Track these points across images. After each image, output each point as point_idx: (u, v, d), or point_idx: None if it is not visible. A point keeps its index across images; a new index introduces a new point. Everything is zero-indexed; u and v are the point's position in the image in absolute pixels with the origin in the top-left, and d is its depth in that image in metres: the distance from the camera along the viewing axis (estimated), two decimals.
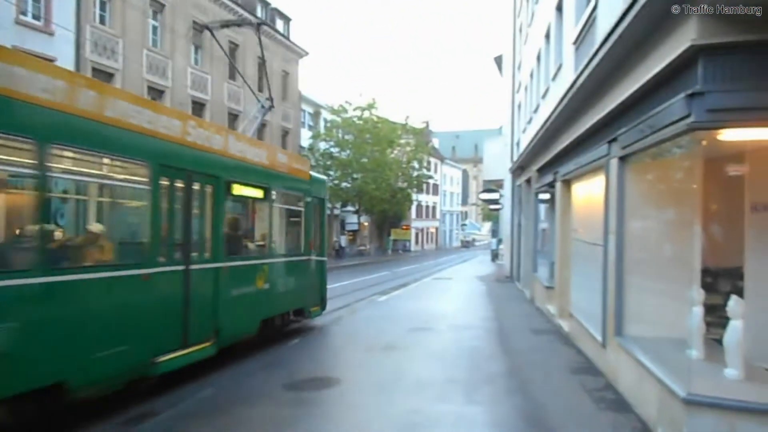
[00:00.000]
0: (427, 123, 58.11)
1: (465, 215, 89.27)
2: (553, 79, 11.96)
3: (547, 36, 13.14)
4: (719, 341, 5.30)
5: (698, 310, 5.49)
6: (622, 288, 6.76)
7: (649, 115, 5.49)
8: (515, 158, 20.49)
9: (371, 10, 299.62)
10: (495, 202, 30.90)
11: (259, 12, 32.18)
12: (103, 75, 20.04)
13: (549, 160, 12.51)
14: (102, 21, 20.73)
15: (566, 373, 7.67)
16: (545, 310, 12.97)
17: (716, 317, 5.57)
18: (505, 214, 26.13)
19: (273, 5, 34.64)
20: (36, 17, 17.79)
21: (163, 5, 23.75)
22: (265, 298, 8.97)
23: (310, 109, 40.31)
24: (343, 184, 39.16)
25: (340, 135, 40.14)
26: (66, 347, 5.09)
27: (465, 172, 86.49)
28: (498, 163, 25.22)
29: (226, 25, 12.54)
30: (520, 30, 20.63)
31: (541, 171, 14.12)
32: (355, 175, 39.49)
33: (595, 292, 7.83)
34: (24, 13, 17.38)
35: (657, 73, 5.29)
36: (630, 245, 6.73)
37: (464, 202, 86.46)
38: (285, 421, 5.67)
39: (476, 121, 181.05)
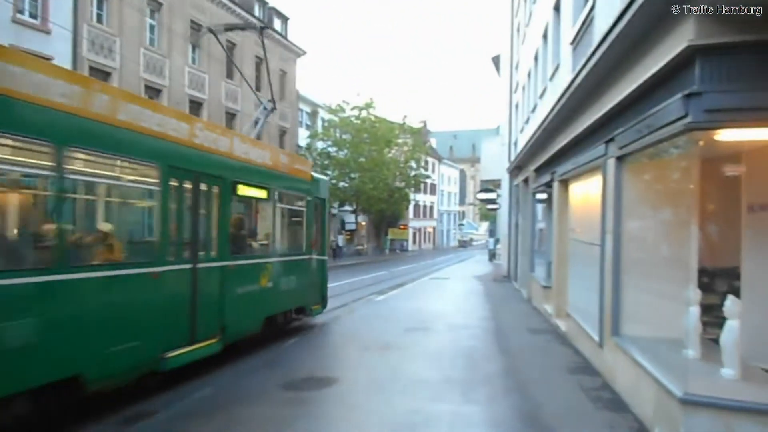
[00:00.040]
0: (424, 123, 58.16)
1: (462, 215, 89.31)
2: (551, 79, 11.97)
3: (545, 36, 13.15)
4: (716, 341, 5.32)
5: (695, 310, 5.50)
6: (619, 288, 6.77)
7: (647, 115, 5.50)
8: (513, 158, 20.51)
9: (369, 9, 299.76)
10: (492, 201, 30.89)
11: (257, 11, 32.16)
12: (100, 74, 20.01)
13: (546, 159, 12.52)
14: (99, 20, 20.69)
15: (563, 373, 7.68)
16: (542, 310, 12.99)
17: (713, 317, 5.59)
18: (503, 214, 26.14)
19: (271, 4, 34.61)
20: (33, 16, 17.75)
21: (160, 4, 23.71)
22: (268, 296, 9.16)
23: (307, 109, 40.28)
24: (341, 184, 39.14)
25: (337, 134, 40.13)
26: (82, 341, 5.32)
27: (462, 172, 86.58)
28: (495, 162, 25.22)
29: (230, 28, 12.75)
30: (518, 30, 20.65)
31: (539, 171, 14.14)
32: (352, 175, 39.49)
33: (592, 291, 7.84)
34: (21, 12, 17.35)
35: (654, 74, 5.30)
36: (627, 245, 6.74)
37: (462, 201, 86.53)
38: (283, 421, 5.66)
39: (474, 120, 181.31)
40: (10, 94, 4.62)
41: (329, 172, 37.28)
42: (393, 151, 43.71)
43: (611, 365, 6.96)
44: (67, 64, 17.55)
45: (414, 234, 64.13)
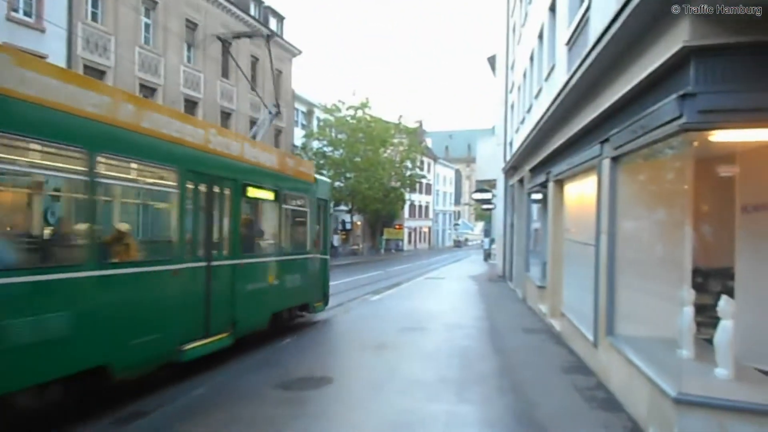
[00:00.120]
0: (420, 122, 58.21)
1: (458, 215, 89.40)
2: (546, 79, 11.99)
3: (541, 36, 13.18)
4: (710, 341, 5.34)
5: (689, 310, 5.51)
6: (614, 288, 6.79)
7: (642, 115, 5.52)
8: (508, 158, 20.53)
9: (369, 8, 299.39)
10: (488, 201, 30.91)
11: (252, 10, 32.07)
12: (95, 72, 19.92)
13: (542, 160, 12.55)
14: (94, 18, 20.58)
15: (558, 373, 7.70)
16: (537, 310, 13.02)
17: (707, 317, 5.60)
18: (498, 214, 26.16)
19: (266, 3, 34.52)
20: (27, 14, 17.66)
21: (155, 3, 23.62)
22: (275, 293, 9.62)
23: (303, 108, 40.24)
24: (336, 184, 39.08)
25: (333, 134, 40.09)
26: (110, 333, 5.71)
27: (458, 172, 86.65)
28: (491, 163, 25.25)
29: (238, 36, 13.23)
30: (514, 30, 20.68)
31: (534, 171, 14.17)
32: (348, 175, 39.47)
33: (587, 291, 7.86)
34: (15, 10, 17.24)
35: (649, 74, 5.32)
36: (622, 245, 6.76)
37: (457, 201, 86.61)
38: (278, 420, 5.65)
39: (469, 120, 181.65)
40: (48, 104, 4.98)
41: (325, 172, 37.20)
42: (388, 151, 43.67)
43: (606, 365, 6.98)
44: (61, 63, 17.47)
45: (409, 234, 64.13)
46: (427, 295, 17.53)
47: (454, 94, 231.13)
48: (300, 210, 10.94)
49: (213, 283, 7.55)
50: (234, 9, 28.81)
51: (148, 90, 22.94)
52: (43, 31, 17.76)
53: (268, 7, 34.76)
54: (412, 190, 53.18)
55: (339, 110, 40.41)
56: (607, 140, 6.96)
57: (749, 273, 5.77)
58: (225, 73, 28.38)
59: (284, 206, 10.02)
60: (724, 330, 5.09)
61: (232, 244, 8.16)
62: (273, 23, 34.94)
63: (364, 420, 5.78)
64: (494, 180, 26.40)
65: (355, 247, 46.51)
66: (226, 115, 28.60)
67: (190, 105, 25.71)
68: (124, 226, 6.42)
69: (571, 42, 9.28)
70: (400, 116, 45.55)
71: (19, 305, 4.74)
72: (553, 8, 11.58)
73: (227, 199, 8.11)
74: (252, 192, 8.82)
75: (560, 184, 11.11)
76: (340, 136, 40.05)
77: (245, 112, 30.24)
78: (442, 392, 6.68)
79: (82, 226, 5.57)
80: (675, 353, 5.36)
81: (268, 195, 9.43)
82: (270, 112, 12.02)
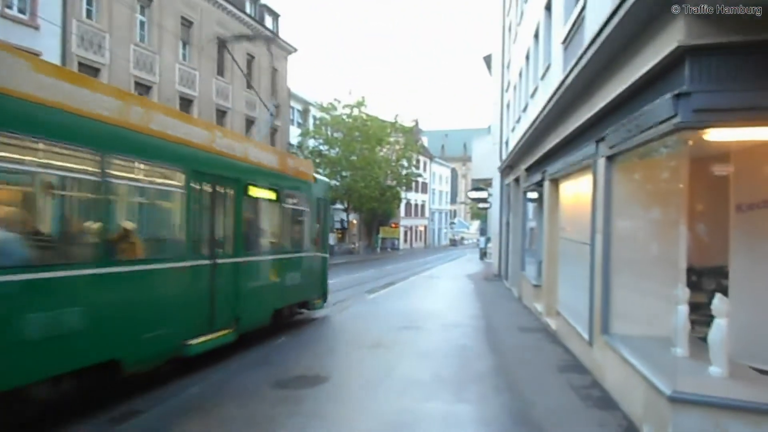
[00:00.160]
0: (416, 121, 58.05)
1: (454, 214, 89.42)
2: (542, 78, 12.00)
3: (536, 35, 13.18)
4: (704, 339, 5.36)
5: (683, 309, 5.54)
6: (609, 286, 6.81)
7: (637, 115, 5.53)
8: (504, 157, 20.56)
9: (368, 8, 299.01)
10: (483, 200, 30.95)
11: (248, 8, 31.97)
12: (90, 70, 19.84)
13: (537, 159, 12.56)
14: (89, 15, 20.48)
15: (553, 371, 7.72)
16: (533, 309, 13.04)
17: (701, 315, 5.63)
18: (494, 213, 26.18)
19: (262, 1, 34.42)
20: (21, 11, 17.55)
21: (150, 0, 23.51)
22: (276, 290, 9.90)
23: (299, 107, 40.13)
24: (332, 182, 39.03)
25: (329, 133, 40.01)
26: (121, 328, 5.93)
27: (454, 171, 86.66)
28: (487, 161, 25.26)
29: (240, 39, 13.57)
30: (509, 29, 20.69)
31: (530, 170, 14.18)
32: (344, 173, 39.39)
33: (582, 290, 7.88)
34: (9, 7, 17.15)
35: (644, 74, 5.33)
36: (617, 244, 6.78)
37: (453, 200, 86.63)
38: (273, 420, 5.64)
39: (466, 120, 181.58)
40: (65, 108, 5.21)
41: (321, 171, 37.15)
42: (384, 150, 43.66)
43: (601, 363, 7.00)
44: (56, 60, 17.37)
45: (405, 232, 64.13)
46: (423, 294, 17.54)
47: (454, 94, 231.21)
48: (300, 209, 11.13)
49: (217, 280, 7.76)
50: (229, 7, 28.72)
51: (143, 88, 22.85)
52: (37, 28, 17.66)
53: (264, 5, 34.66)
54: (408, 188, 53.16)
55: (335, 109, 40.34)
56: (602, 139, 6.98)
57: (743, 271, 5.80)
58: (220, 71, 28.30)
59: (285, 205, 10.24)
60: (719, 328, 5.11)
61: (235, 243, 8.39)
62: (269, 21, 34.85)
63: (361, 419, 5.78)
64: (490, 179, 26.42)
65: (351, 245, 46.47)
66: (221, 113, 28.51)
67: (186, 103, 25.61)
68: (129, 225, 6.53)
69: (567, 41, 9.29)
70: (396, 115, 45.55)
71: (38, 300, 4.96)
72: (548, 7, 11.59)
73: (231, 199, 8.34)
74: (254, 192, 9.01)
75: (556, 183, 11.13)
76: (336, 135, 39.98)
77: (241, 110, 30.16)
78: (438, 391, 6.69)
79: (94, 225, 5.76)
80: (670, 352, 5.38)
81: (270, 194, 9.63)
82: (270, 114, 12.14)
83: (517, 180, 17.73)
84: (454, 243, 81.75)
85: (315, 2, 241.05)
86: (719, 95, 4.51)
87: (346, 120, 40.11)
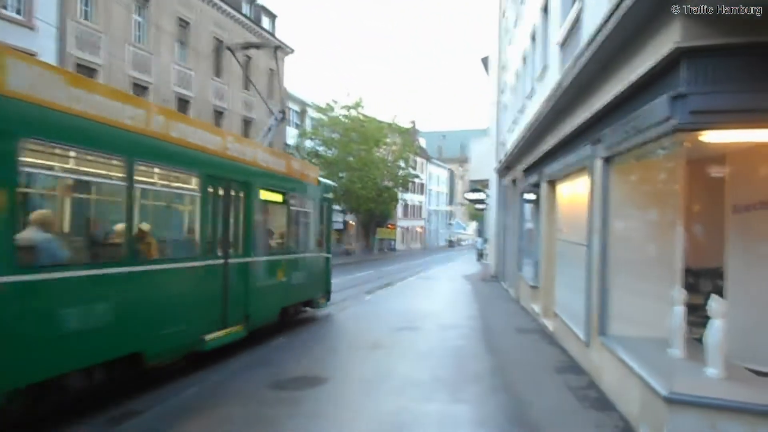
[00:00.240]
0: (413, 122, 58.17)
1: (451, 215, 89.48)
2: (539, 79, 12.03)
3: (533, 37, 13.22)
4: (700, 340, 5.37)
5: (680, 310, 5.56)
6: (606, 288, 6.82)
7: (634, 116, 5.55)
8: (501, 158, 20.58)
9: (366, 8, 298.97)
10: (481, 201, 30.97)
11: (244, 9, 31.95)
12: (86, 70, 19.78)
13: (535, 160, 12.59)
14: (85, 16, 20.43)
15: (550, 372, 7.73)
16: (530, 309, 13.06)
17: (697, 317, 5.64)
18: (491, 214, 26.21)
19: (259, 2, 34.41)
20: (18, 11, 17.50)
21: (147, 1, 23.47)
22: (284, 289, 10.29)
23: (296, 107, 40.12)
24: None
25: (326, 133, 39.99)
26: (144, 323, 6.29)
27: (451, 172, 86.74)
28: (484, 163, 25.29)
29: (247, 47, 13.87)
30: (506, 31, 20.73)
31: (527, 171, 14.21)
32: (341, 174, 39.34)
33: (579, 291, 7.90)
34: (5, 7, 17.09)
35: (641, 75, 5.35)
36: (614, 245, 6.79)
37: (450, 201, 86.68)
38: (271, 421, 5.64)
39: (463, 121, 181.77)
40: (97, 119, 5.55)
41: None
42: (382, 151, 43.63)
43: (598, 364, 7.01)
44: (52, 61, 17.31)
45: (402, 233, 64.16)
46: (421, 295, 17.54)
47: (453, 95, 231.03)
48: (305, 211, 11.53)
49: (229, 279, 8.16)
50: (227, 8, 28.70)
51: (139, 88, 22.81)
52: (33, 29, 17.62)
53: (261, 6, 34.64)
54: (406, 189, 53.16)
55: (332, 109, 40.32)
56: (599, 141, 7.00)
57: (740, 273, 5.82)
58: (217, 72, 28.27)
59: (292, 207, 10.65)
60: (715, 329, 5.12)
61: (246, 243, 8.77)
62: (266, 22, 34.84)
63: (358, 419, 5.78)
64: (487, 180, 26.45)
65: (348, 246, 46.45)
66: (218, 114, 28.48)
67: (182, 104, 25.58)
68: (145, 226, 6.73)
69: (564, 42, 9.32)
70: (394, 116, 45.57)
71: (75, 296, 5.34)
72: (545, 8, 11.63)
73: (241, 201, 8.71)
74: (264, 194, 9.40)
75: (553, 184, 11.15)
76: (333, 136, 39.95)
77: (238, 111, 30.14)
78: (436, 392, 6.69)
79: (121, 226, 6.11)
80: (666, 353, 5.41)
81: (278, 197, 10.08)
82: (276, 118, 12.33)
83: (514, 181, 17.76)
84: (451, 244, 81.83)
85: (314, 2, 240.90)
86: (716, 97, 4.53)
87: (344, 121, 40.09)
